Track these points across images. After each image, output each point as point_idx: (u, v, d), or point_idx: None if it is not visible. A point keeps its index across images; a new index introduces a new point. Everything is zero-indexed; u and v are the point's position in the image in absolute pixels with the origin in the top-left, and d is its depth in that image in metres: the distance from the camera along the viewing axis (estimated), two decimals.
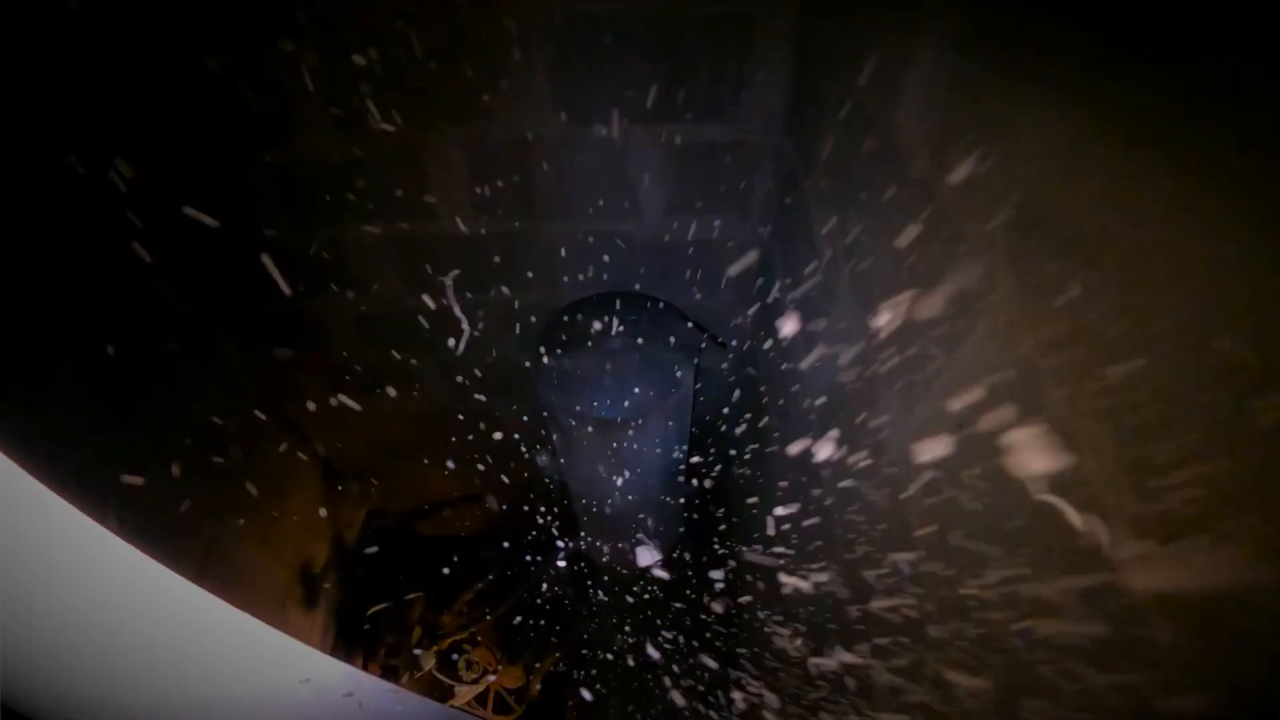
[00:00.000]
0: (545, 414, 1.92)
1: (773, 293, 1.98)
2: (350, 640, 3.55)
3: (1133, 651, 0.59)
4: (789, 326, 1.87)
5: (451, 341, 2.56)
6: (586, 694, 2.77)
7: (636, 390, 1.72)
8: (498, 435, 3.03)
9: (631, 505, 2.19)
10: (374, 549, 3.65)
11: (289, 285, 2.36)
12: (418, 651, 3.16)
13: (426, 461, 3.27)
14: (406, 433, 3.12)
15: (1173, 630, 0.55)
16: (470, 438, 3.12)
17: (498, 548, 3.53)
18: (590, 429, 1.73)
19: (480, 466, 3.32)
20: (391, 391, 2.88)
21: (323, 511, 3.40)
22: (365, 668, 3.62)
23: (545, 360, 1.81)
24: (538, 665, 3.48)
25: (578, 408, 1.71)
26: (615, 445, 1.78)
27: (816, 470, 1.58)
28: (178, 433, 2.61)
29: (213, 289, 2.40)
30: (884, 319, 1.19)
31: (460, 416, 2.95)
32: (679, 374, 1.78)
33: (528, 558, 3.17)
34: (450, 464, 3.28)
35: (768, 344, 2.14)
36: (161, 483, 2.49)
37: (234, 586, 2.81)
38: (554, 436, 2.00)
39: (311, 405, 3.01)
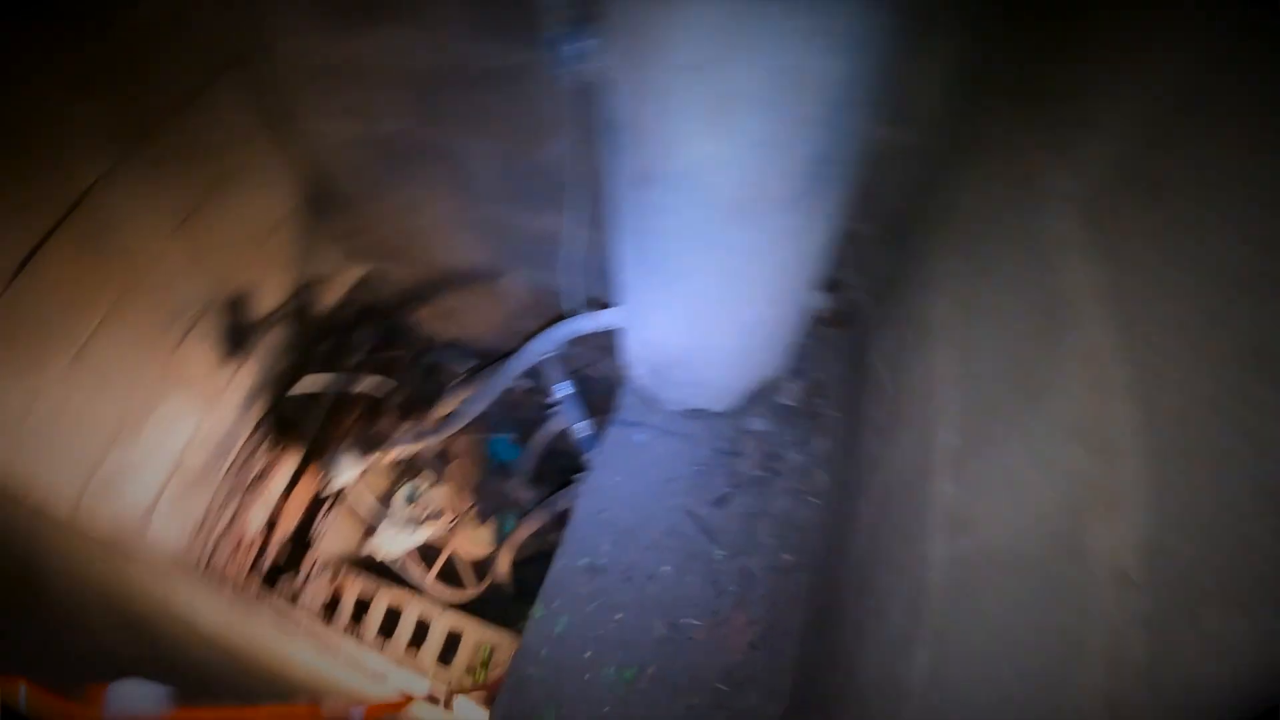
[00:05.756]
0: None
1: None
2: (284, 427, 2.58)
3: None
4: None
5: None
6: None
7: None
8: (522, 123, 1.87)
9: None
10: (354, 321, 2.64)
11: None
12: (339, 451, 2.09)
13: (429, 171, 2.18)
14: (402, 117, 2.02)
15: None
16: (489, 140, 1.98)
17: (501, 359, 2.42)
18: None
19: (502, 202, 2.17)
20: (386, 31, 1.79)
21: (285, 235, 2.41)
22: (302, 467, 2.65)
23: None
24: (510, 532, 2.36)
25: None
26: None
27: None
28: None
29: None
30: None
31: (481, 82, 1.81)
32: None
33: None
34: (454, 186, 2.16)
35: None
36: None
37: (111, 256, 1.87)
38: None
39: (281, 50, 1.98)
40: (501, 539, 2.47)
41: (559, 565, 1.61)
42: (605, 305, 1.70)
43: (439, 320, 2.77)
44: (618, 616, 1.55)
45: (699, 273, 1.30)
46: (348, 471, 2.05)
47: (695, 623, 1.55)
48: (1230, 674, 0.48)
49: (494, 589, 2.49)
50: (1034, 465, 0.85)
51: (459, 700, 1.94)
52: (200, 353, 2.22)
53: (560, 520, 2.37)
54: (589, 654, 1.51)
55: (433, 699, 1.81)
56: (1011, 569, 0.84)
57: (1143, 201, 0.75)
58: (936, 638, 0.97)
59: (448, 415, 2.30)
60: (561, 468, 2.60)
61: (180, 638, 1.76)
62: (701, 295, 1.35)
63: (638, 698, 1.47)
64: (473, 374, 2.48)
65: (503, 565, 2.40)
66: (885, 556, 1.29)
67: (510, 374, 1.78)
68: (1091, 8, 0.98)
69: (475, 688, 2.06)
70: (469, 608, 2.40)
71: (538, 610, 1.57)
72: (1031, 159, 1.06)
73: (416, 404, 2.47)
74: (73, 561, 1.77)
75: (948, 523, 1.05)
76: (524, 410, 2.61)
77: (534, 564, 2.69)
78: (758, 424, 1.74)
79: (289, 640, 2.16)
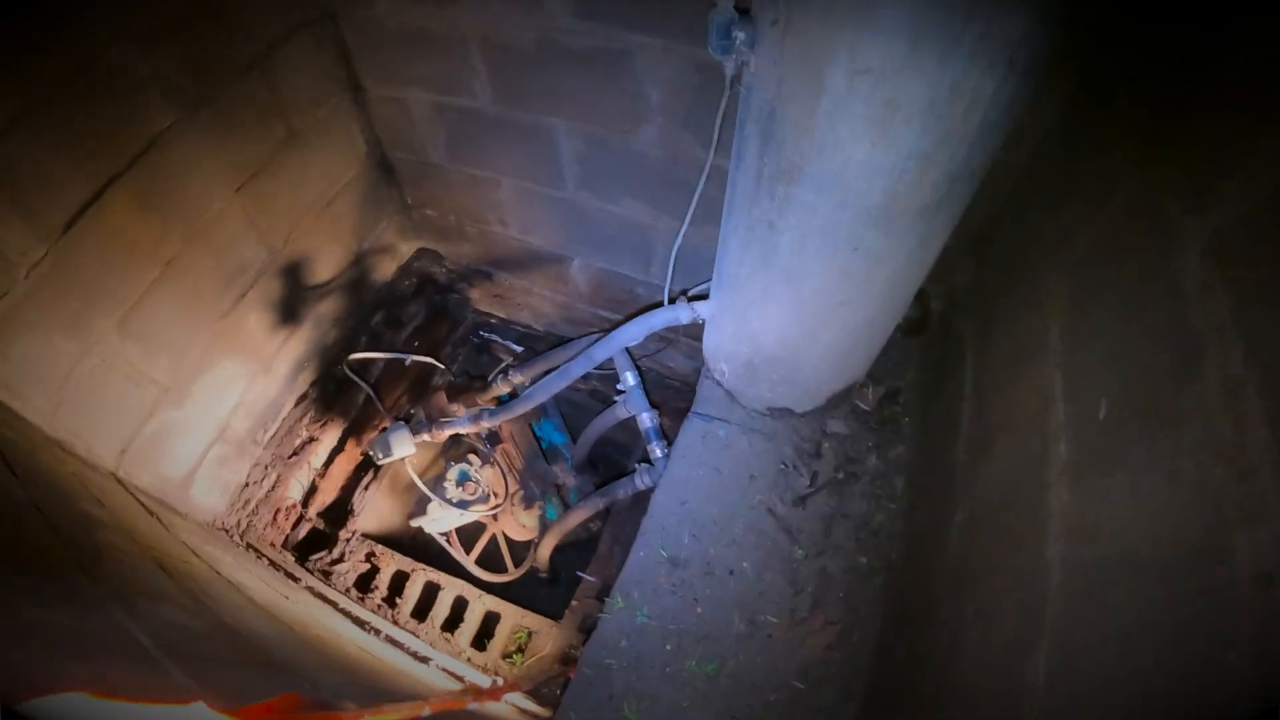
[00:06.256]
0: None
1: None
2: (329, 399, 2.53)
3: None
4: None
5: None
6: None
7: None
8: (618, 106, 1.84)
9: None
10: (409, 295, 2.59)
11: None
12: (392, 427, 2.05)
13: (505, 164, 2.15)
14: (486, 91, 1.98)
15: None
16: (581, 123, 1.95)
17: (558, 344, 2.40)
18: None
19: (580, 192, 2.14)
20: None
21: (347, 203, 2.36)
22: (342, 443, 2.61)
23: None
24: (555, 518, 2.35)
25: None
26: None
27: None
28: None
29: None
30: None
31: (578, 61, 1.77)
32: None
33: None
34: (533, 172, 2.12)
35: None
36: None
37: (171, 213, 1.80)
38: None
39: (364, 11, 1.94)
40: (544, 524, 2.46)
41: (638, 555, 1.60)
42: (695, 298, 1.69)
43: (493, 301, 2.74)
44: (698, 610, 1.55)
45: (824, 271, 1.30)
46: (401, 447, 2.02)
47: (774, 620, 1.55)
48: None
49: (529, 574, 2.47)
50: (1169, 481, 0.88)
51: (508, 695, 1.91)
52: (253, 318, 2.17)
53: (607, 510, 2.37)
54: (670, 647, 1.51)
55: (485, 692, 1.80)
56: (1146, 573, 0.86)
57: (1273, 246, 0.79)
58: (1059, 638, 0.99)
59: (506, 396, 2.28)
60: (610, 458, 2.59)
61: (237, 607, 1.72)
62: (820, 294, 1.35)
63: (718, 692, 1.47)
64: (525, 358, 2.46)
65: (544, 551, 2.38)
66: (988, 562, 1.30)
67: (594, 360, 1.76)
68: (1231, 65, 1.01)
69: (514, 680, 2.04)
70: (503, 591, 2.38)
71: (617, 601, 1.56)
72: (1160, 198, 1.08)
73: (465, 383, 2.44)
74: (122, 519, 1.72)
75: (1068, 530, 1.07)
76: (574, 395, 2.59)
77: (566, 551, 2.68)
78: (837, 427, 1.75)
79: (330, 615, 2.13)
